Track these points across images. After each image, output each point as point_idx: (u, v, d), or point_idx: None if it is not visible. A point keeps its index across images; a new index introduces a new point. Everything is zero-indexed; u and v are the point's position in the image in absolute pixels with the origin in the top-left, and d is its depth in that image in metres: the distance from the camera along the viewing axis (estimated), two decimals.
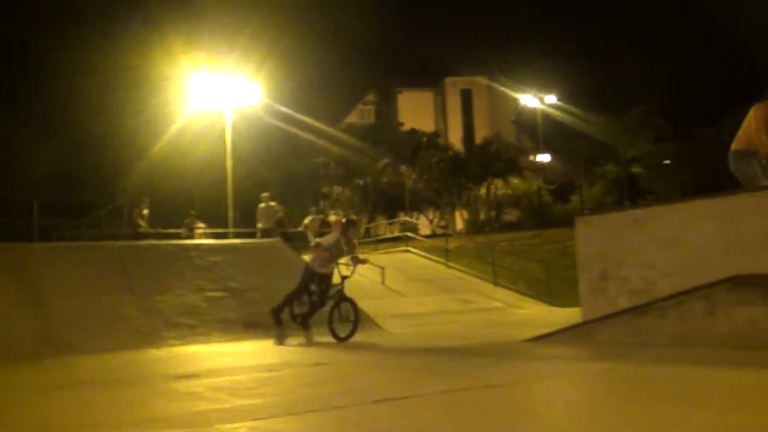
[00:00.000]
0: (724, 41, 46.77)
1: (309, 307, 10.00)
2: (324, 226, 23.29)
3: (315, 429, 4.26)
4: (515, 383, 5.69)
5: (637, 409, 4.31)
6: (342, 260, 10.30)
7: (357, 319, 9.94)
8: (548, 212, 41.78)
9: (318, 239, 10.87)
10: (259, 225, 19.99)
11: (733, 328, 7.09)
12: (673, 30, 60.71)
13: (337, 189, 43.20)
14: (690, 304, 7.41)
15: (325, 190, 42.97)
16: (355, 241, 10.50)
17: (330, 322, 9.77)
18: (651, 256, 8.13)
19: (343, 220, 10.80)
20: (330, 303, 10.01)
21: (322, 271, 10.01)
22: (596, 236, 8.92)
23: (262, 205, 20.20)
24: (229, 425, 4.24)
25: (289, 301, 10.08)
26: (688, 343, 7.23)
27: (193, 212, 23.19)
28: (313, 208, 25.16)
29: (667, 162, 41.89)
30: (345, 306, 10.00)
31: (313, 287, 10.03)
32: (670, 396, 4.76)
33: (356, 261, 10.40)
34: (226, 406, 4.94)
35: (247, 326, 10.72)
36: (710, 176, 38.70)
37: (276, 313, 9.97)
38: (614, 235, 8.65)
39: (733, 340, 6.95)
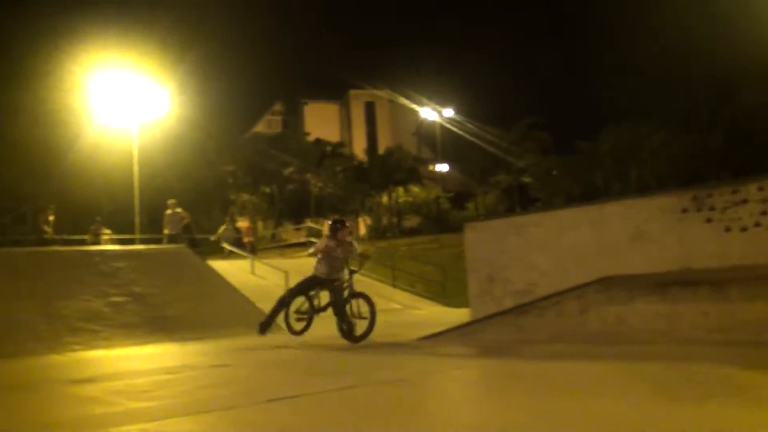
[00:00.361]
0: (605, 63, 49.83)
1: (338, 315, 9.22)
2: (237, 233, 23.40)
3: (208, 429, 4.31)
4: (406, 379, 5.97)
5: (517, 400, 4.69)
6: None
7: (373, 315, 8.97)
8: (446, 219, 43.38)
9: (311, 248, 10.29)
10: (166, 231, 19.81)
11: (602, 325, 7.69)
12: (561, 52, 64.19)
13: (244, 196, 42.85)
14: (565, 303, 7.97)
15: (232, 197, 42.56)
16: (349, 239, 9.65)
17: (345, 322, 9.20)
18: (532, 260, 8.66)
19: (329, 222, 9.78)
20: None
21: (328, 277, 9.38)
22: (483, 242, 9.38)
23: (169, 211, 20.00)
24: (121, 428, 4.24)
25: (280, 306, 9.61)
26: (564, 340, 7.74)
27: (98, 218, 22.73)
28: (227, 218, 25.13)
29: (554, 172, 44.15)
30: (358, 302, 9.20)
31: (316, 301, 9.57)
32: (548, 387, 5.17)
33: (360, 258, 9.82)
34: (121, 409, 4.93)
35: (150, 330, 10.69)
36: (589, 185, 41.28)
37: (262, 326, 9.66)
38: (499, 240, 9.13)
39: (603, 336, 7.52)
